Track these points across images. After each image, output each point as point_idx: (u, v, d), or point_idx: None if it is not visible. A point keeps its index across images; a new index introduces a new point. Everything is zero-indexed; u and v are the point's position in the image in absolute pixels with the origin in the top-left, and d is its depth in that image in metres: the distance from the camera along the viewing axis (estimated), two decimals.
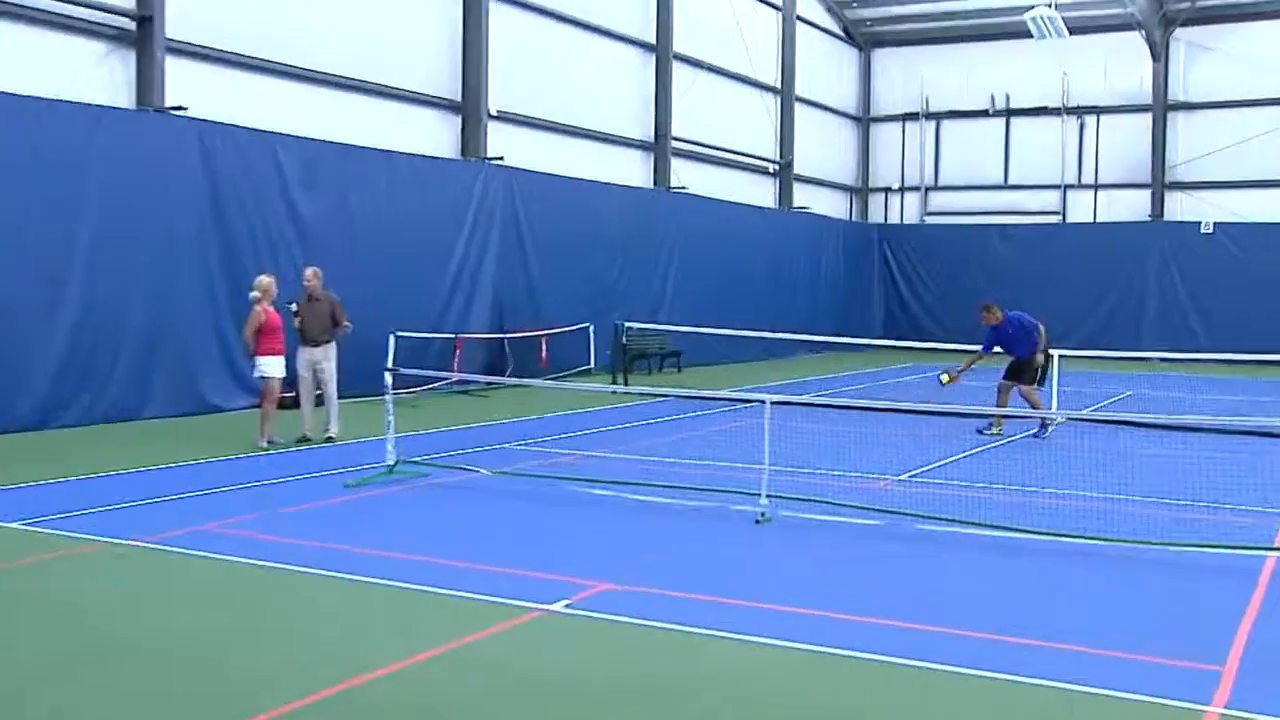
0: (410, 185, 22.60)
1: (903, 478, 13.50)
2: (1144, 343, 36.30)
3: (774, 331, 27.86)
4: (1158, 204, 38.13)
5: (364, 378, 18.15)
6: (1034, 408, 17.07)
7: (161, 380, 18.10)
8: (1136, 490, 12.63)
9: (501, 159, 25.25)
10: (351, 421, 16.80)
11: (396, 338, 14.18)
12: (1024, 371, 17.17)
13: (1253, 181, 37.03)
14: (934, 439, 16.63)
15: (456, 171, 24.08)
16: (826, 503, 11.42)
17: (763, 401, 11.52)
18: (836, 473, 13.58)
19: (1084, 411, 18.93)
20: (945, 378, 17.07)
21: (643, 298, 29.43)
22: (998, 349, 17.21)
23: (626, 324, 25.15)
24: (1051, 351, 17.78)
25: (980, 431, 17.12)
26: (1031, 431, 17.24)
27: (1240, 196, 37.24)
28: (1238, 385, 26.95)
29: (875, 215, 43.15)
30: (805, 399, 15.70)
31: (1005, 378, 17.29)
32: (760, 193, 36.72)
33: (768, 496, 10.96)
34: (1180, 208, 38.14)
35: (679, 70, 31.97)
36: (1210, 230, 36.61)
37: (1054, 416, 16.33)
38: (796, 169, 38.24)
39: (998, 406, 16.98)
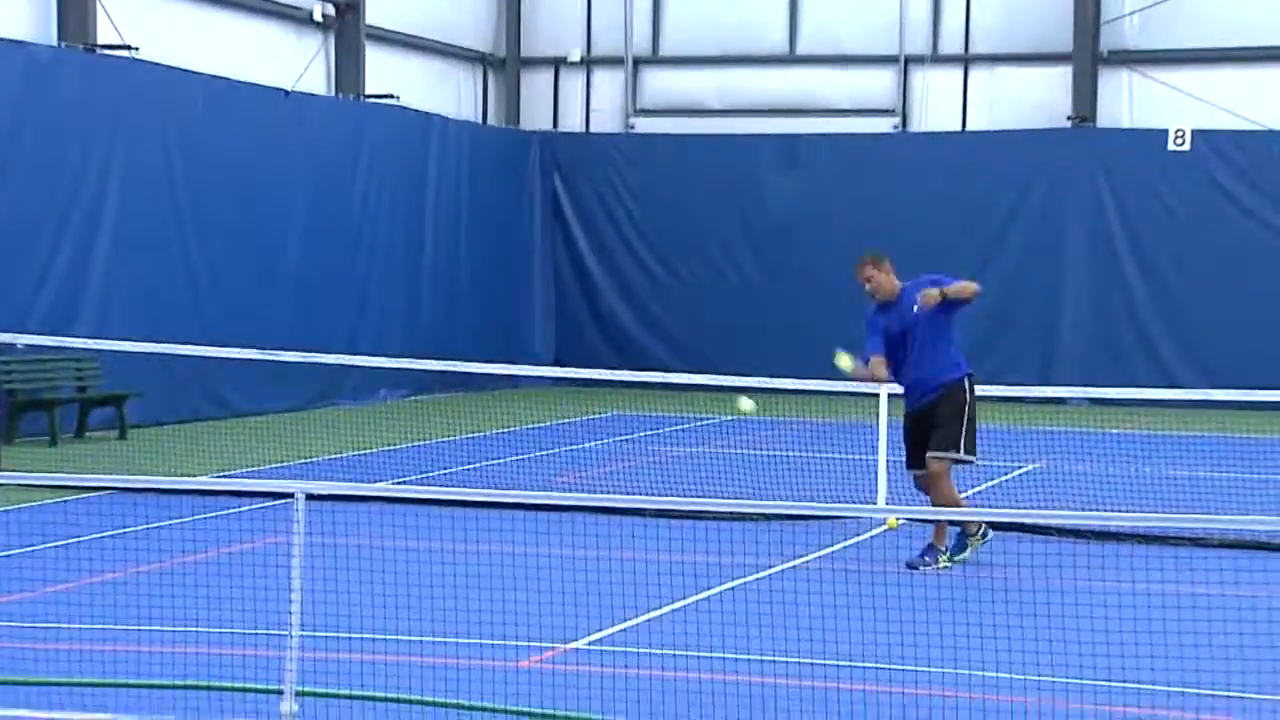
0: None
1: (581, 644, 13.86)
2: (1060, 367, 37.98)
3: (330, 353, 27.75)
4: (1084, 95, 39.71)
5: None
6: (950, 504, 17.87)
7: None
8: (1080, 667, 12.98)
9: None
10: None
11: None
12: (957, 424, 17.81)
13: (1267, 50, 38.63)
14: (666, 561, 16.99)
15: None
16: (419, 702, 11.61)
17: (290, 495, 11.35)
18: (450, 640, 13.69)
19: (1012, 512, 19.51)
20: (846, 361, 17.90)
21: (36, 280, 28.87)
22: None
23: None
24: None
25: (914, 567, 17.68)
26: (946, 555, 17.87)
27: (1241, 79, 38.98)
28: (1246, 450, 28.22)
29: (535, 115, 43.94)
30: (380, 489, 15.69)
31: (929, 446, 17.81)
32: (294, 63, 36.75)
33: (301, 694, 11.04)
34: (1128, 101, 40.02)
35: None
36: (1185, 144, 38.34)
37: (978, 521, 17.30)
38: (369, 16, 38.40)
39: (937, 504, 17.68)
